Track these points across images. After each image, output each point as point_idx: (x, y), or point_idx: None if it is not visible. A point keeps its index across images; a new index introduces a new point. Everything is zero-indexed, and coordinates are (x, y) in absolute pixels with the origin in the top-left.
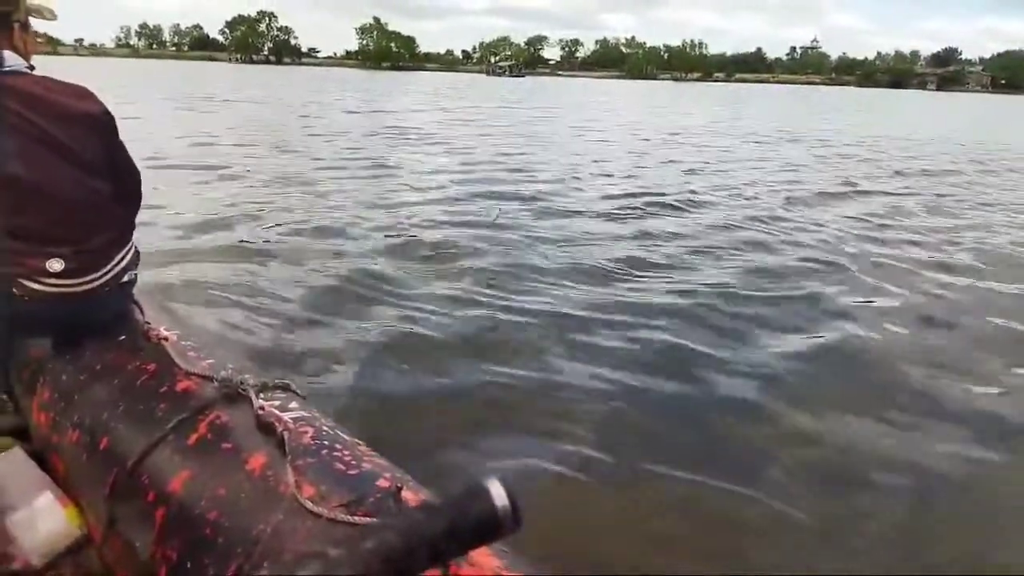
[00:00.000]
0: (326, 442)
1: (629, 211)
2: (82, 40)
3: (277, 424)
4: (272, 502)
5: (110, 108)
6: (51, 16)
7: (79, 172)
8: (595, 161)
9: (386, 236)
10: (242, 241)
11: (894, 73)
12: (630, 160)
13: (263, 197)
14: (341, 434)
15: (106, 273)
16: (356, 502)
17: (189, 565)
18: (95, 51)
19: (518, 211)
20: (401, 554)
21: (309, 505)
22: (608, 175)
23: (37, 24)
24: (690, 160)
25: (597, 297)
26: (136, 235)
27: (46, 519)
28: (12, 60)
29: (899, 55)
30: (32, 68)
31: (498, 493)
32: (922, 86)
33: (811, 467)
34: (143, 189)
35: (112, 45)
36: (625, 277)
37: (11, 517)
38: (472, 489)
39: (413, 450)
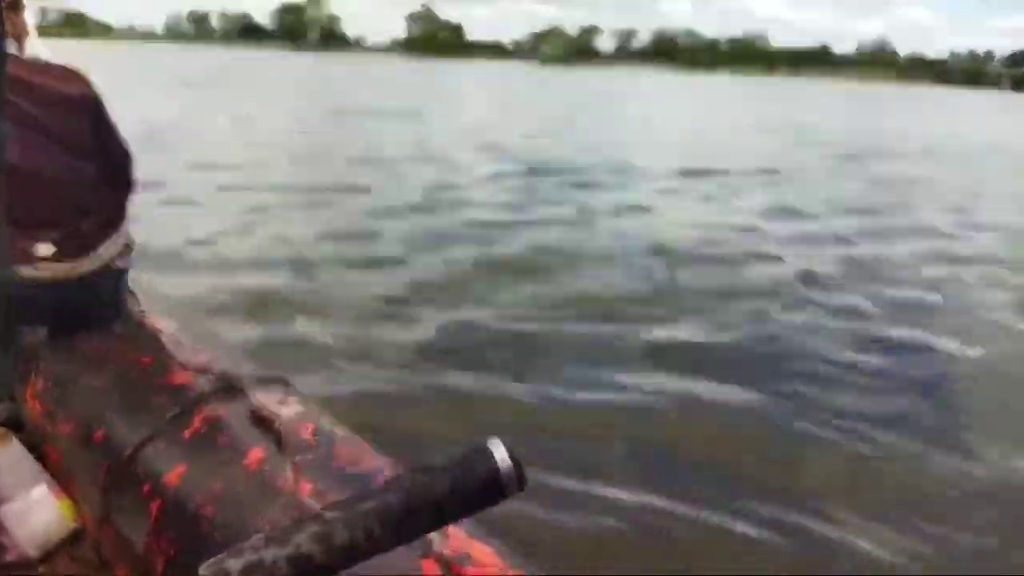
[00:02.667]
0: (324, 438)
1: None
2: (132, 26)
3: (274, 419)
4: (269, 497)
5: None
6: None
7: (65, 155)
8: None
9: (395, 237)
10: (245, 234)
11: (968, 73)
12: None
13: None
14: (338, 430)
15: (96, 258)
16: None
17: (185, 558)
18: (145, 37)
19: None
20: (402, 515)
21: (306, 501)
22: None
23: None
24: None
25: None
26: (130, 222)
27: (40, 511)
28: None
29: (973, 55)
30: (21, 50)
31: (500, 454)
32: (995, 86)
33: None
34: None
35: (162, 32)
36: None
37: (6, 508)
38: (474, 450)
39: (411, 448)
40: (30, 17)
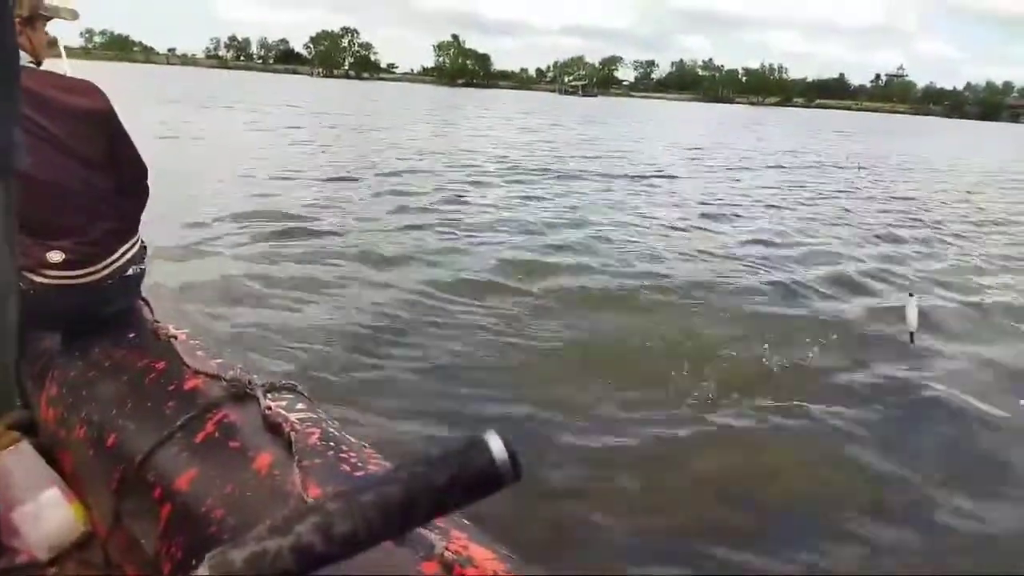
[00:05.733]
0: (332, 443)
1: None
2: (174, 49)
3: (284, 424)
4: (278, 501)
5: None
6: (70, 16)
7: (77, 166)
8: None
9: (404, 248)
10: (255, 243)
11: (984, 104)
12: None
13: (292, 202)
14: (347, 436)
15: (109, 265)
16: None
17: (194, 562)
18: (186, 60)
19: None
20: (400, 506)
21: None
22: None
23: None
24: None
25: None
26: (145, 231)
27: (52, 514)
28: None
29: (990, 86)
30: (38, 64)
31: (497, 445)
32: (1014, 118)
33: None
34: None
35: (202, 55)
36: None
37: (18, 511)
38: (471, 441)
39: (419, 456)
40: (54, 31)
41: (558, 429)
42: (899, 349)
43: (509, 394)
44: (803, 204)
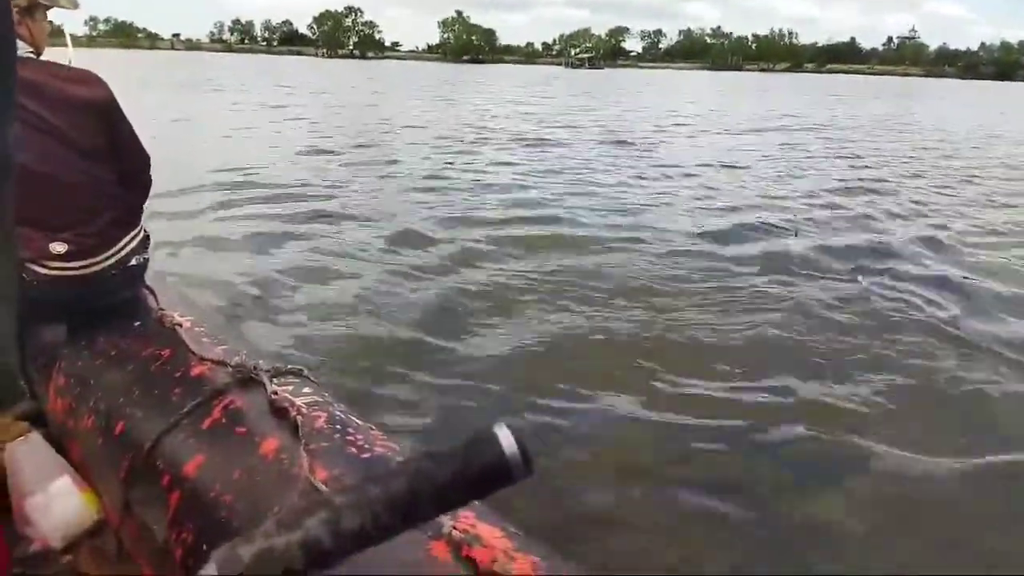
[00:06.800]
0: (339, 426)
1: None
2: (179, 35)
3: (290, 408)
4: (286, 485)
5: None
6: (70, 5)
7: (78, 157)
8: None
9: (402, 227)
10: (259, 228)
11: (1000, 64)
12: None
13: (292, 184)
14: (353, 419)
15: (112, 256)
16: None
17: (205, 547)
18: (190, 45)
19: None
20: (408, 501)
21: (323, 488)
22: None
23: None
24: None
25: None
26: (147, 221)
27: (63, 503)
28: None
29: (1005, 45)
30: (38, 54)
31: (506, 439)
32: None
33: None
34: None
35: (207, 40)
36: None
37: (30, 501)
38: (480, 435)
39: (425, 437)
40: (59, 20)
41: (571, 410)
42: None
43: (521, 374)
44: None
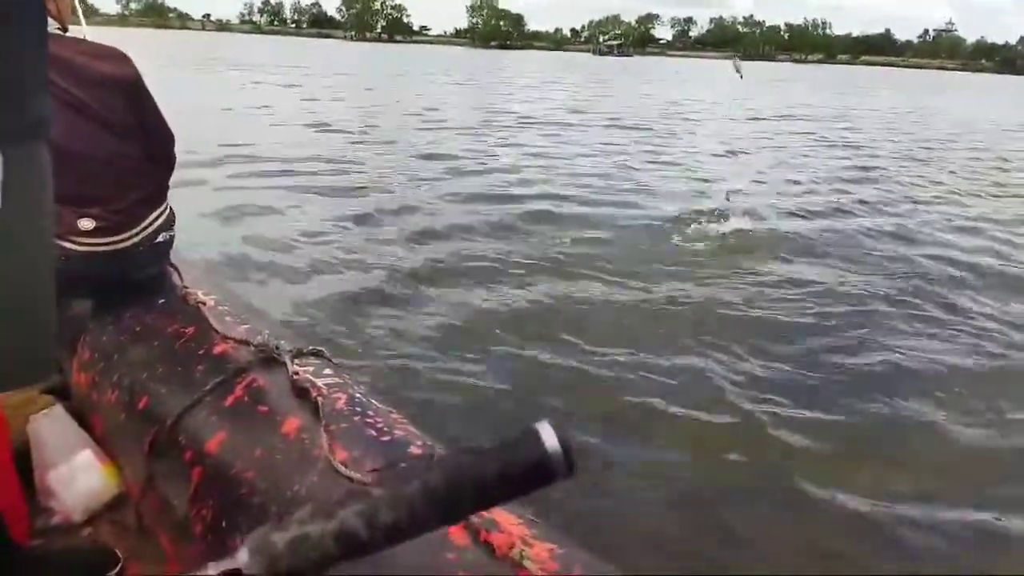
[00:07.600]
0: (359, 408)
1: None
2: (209, 15)
3: (311, 389)
4: (306, 464)
5: None
6: None
7: (106, 134)
8: None
9: (433, 216)
10: (283, 207)
11: None
12: None
13: (321, 168)
14: (373, 401)
15: (139, 232)
16: (388, 467)
17: (224, 523)
18: (221, 26)
19: None
20: (447, 497)
21: (342, 469)
22: None
23: None
24: None
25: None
26: (172, 198)
27: (86, 476)
28: None
29: None
30: (65, 30)
31: (548, 436)
32: None
33: None
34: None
35: (237, 21)
36: None
37: (52, 473)
38: (522, 432)
39: (444, 421)
40: None
41: (602, 401)
42: None
43: (547, 359)
44: None
